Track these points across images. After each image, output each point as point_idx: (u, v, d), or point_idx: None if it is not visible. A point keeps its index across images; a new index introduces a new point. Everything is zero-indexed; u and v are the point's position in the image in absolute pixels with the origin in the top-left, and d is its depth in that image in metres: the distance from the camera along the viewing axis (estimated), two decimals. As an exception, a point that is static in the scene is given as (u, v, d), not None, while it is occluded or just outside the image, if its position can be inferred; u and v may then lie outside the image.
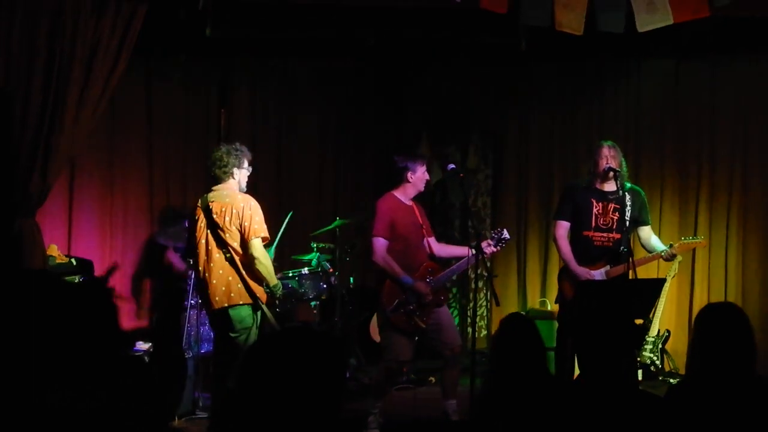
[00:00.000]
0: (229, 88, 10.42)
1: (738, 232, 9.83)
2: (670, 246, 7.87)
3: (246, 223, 6.84)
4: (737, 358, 3.96)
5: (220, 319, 7.02)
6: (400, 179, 7.64)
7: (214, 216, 6.92)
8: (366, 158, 11.09)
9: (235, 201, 6.91)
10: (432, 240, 7.83)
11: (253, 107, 10.57)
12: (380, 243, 7.43)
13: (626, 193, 7.67)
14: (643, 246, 8.06)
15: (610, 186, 7.78)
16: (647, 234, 7.99)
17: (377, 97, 11.09)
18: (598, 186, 7.84)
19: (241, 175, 7.10)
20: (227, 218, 6.88)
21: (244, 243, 6.89)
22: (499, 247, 7.67)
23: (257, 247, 6.87)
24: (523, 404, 4.31)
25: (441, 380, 7.82)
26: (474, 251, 7.29)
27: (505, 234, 7.59)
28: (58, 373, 2.50)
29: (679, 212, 10.06)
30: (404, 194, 7.64)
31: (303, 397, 2.45)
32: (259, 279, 6.96)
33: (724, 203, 9.88)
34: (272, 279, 6.98)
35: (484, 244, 7.44)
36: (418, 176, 7.61)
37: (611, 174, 7.68)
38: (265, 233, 6.95)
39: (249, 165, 7.17)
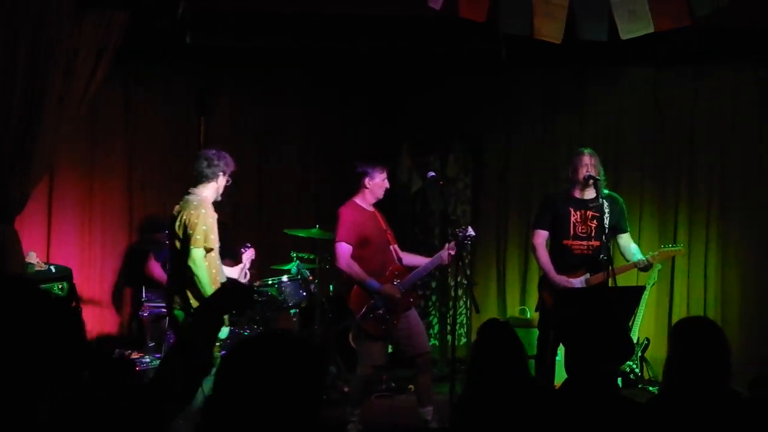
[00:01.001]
0: (208, 96, 10.38)
1: (717, 240, 9.86)
2: (647, 255, 7.87)
3: (190, 232, 6.72)
4: (712, 373, 3.97)
5: (174, 319, 7.02)
6: (358, 185, 7.64)
7: (173, 219, 6.93)
8: (347, 167, 11.05)
9: (188, 207, 6.82)
10: (396, 248, 7.84)
11: (232, 115, 10.54)
12: (344, 248, 7.44)
13: (604, 200, 7.68)
14: (622, 254, 8.06)
15: (589, 194, 7.78)
16: (626, 242, 7.99)
17: (358, 106, 11.07)
18: (576, 194, 7.84)
19: (222, 182, 7.04)
20: (177, 223, 6.81)
21: (186, 250, 6.77)
22: (465, 245, 7.70)
23: (194, 258, 6.67)
24: (504, 409, 4.31)
25: (415, 388, 7.82)
26: (445, 252, 7.49)
27: (470, 231, 7.56)
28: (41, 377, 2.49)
29: (659, 221, 10.09)
30: (364, 201, 7.65)
31: (281, 405, 2.44)
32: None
33: (704, 212, 9.90)
34: (208, 293, 6.68)
35: (450, 245, 7.51)
36: (376, 183, 7.59)
37: (591, 182, 7.69)
38: (209, 244, 6.76)
39: (231, 176, 7.12)
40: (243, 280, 7.64)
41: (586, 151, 7.86)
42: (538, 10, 7.42)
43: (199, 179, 6.98)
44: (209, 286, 6.68)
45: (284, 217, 10.58)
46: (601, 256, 7.61)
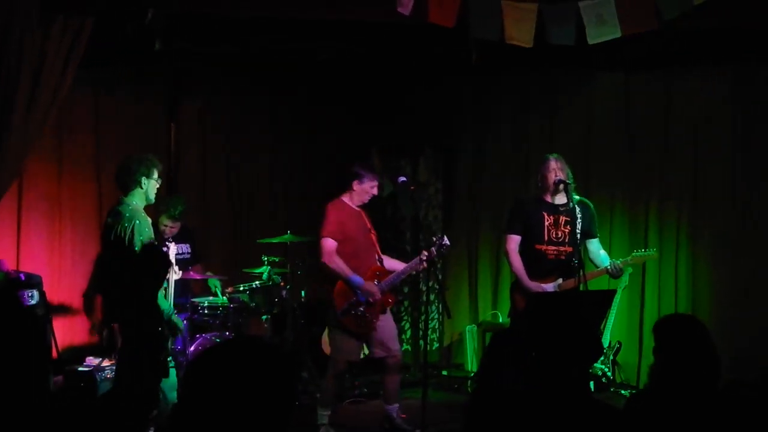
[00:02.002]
0: (178, 101, 10.35)
1: (688, 244, 9.85)
2: (620, 260, 7.86)
3: (130, 247, 6.58)
4: (700, 370, 3.98)
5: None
6: (348, 184, 7.79)
7: (106, 232, 6.79)
8: (318, 171, 11.07)
9: (121, 221, 6.66)
10: (378, 250, 7.90)
11: (203, 121, 10.51)
12: (329, 243, 7.55)
13: (576, 206, 7.68)
14: (591, 260, 8.02)
15: (560, 198, 7.79)
16: (596, 247, 7.98)
17: (329, 111, 11.07)
18: (548, 199, 7.83)
19: (150, 185, 6.88)
20: (111, 237, 6.67)
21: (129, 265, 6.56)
22: (440, 253, 7.77)
23: None
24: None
25: (383, 386, 7.88)
26: (423, 257, 7.53)
27: (445, 240, 7.70)
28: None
29: (630, 223, 10.07)
30: (351, 200, 7.80)
31: (252, 412, 2.42)
32: None
33: (675, 215, 9.90)
34: (162, 303, 6.55)
35: (425, 252, 7.58)
36: (364, 187, 7.76)
37: (562, 186, 7.69)
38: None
39: (159, 176, 6.98)
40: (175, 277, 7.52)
41: (552, 156, 7.86)
42: (508, 15, 7.44)
43: (124, 189, 6.87)
44: (163, 300, 6.59)
45: (255, 222, 10.59)
46: (573, 261, 7.62)
